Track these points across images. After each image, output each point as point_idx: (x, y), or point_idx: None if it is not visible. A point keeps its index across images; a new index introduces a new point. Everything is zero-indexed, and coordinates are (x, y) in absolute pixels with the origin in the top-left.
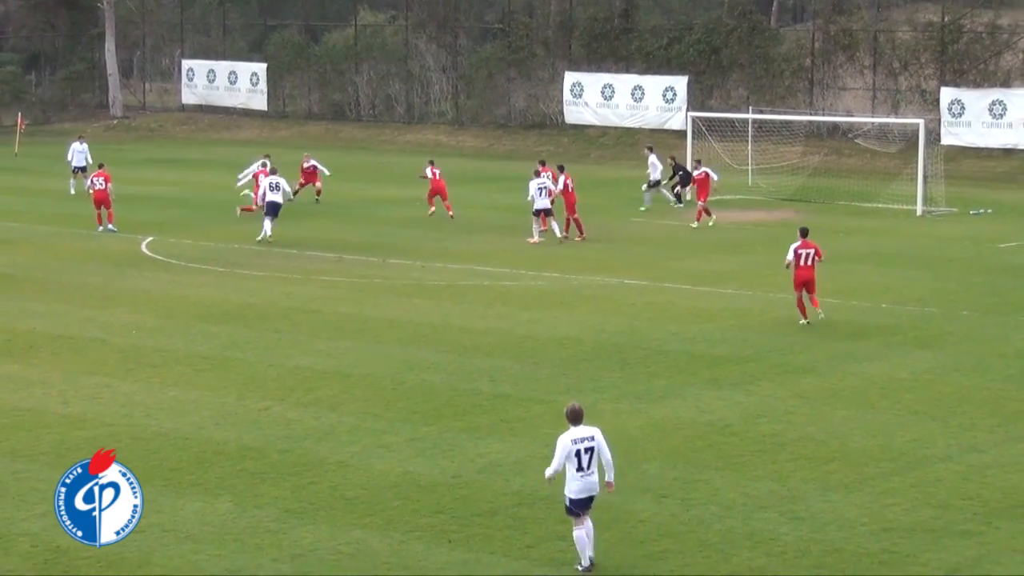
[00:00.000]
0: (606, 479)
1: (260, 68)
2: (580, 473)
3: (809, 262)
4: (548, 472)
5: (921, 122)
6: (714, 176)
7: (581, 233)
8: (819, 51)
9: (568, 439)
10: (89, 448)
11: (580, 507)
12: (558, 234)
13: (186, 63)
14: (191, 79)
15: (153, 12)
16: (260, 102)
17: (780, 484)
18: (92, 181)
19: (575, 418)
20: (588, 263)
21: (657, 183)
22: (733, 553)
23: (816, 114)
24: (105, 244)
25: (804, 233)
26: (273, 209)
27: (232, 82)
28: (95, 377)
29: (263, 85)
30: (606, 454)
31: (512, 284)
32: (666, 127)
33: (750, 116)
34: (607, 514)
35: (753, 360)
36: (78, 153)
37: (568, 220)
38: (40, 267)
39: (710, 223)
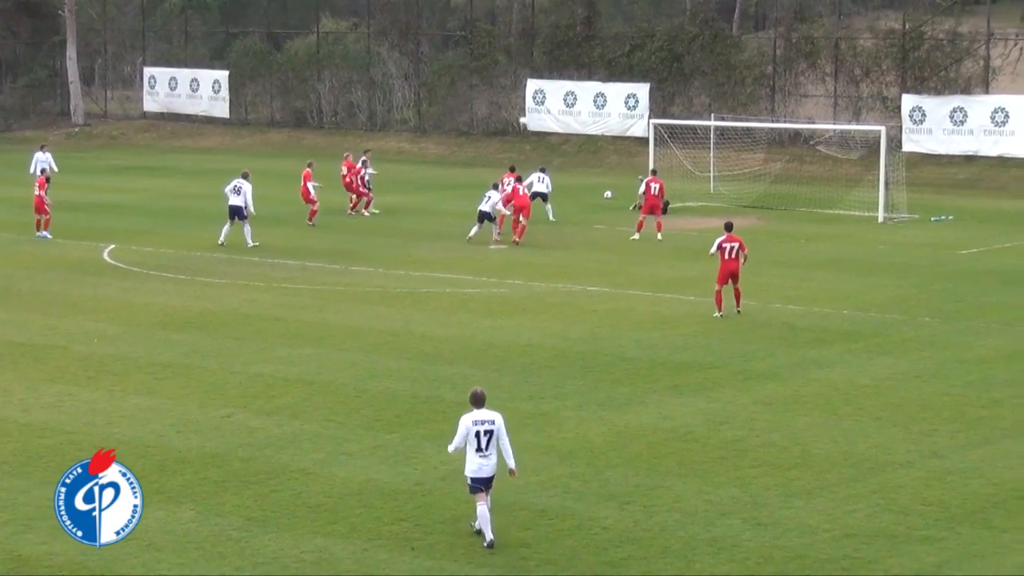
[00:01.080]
0: (509, 466)
1: (222, 75)
2: (479, 454)
3: (733, 255)
4: (450, 448)
5: (883, 129)
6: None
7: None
8: (781, 58)
9: (469, 420)
10: (51, 456)
11: (480, 485)
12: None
13: (148, 70)
14: (153, 87)
15: (115, 19)
16: (222, 109)
17: (742, 490)
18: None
19: (477, 401)
20: (550, 270)
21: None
22: (696, 560)
23: (778, 121)
24: (66, 252)
25: (729, 227)
26: (235, 213)
27: (194, 89)
28: (56, 385)
29: (225, 92)
30: (504, 440)
31: (474, 291)
32: (628, 134)
33: (712, 123)
34: (569, 521)
35: (715, 367)
36: (40, 162)
37: (516, 221)
38: (0, 274)
39: (635, 237)
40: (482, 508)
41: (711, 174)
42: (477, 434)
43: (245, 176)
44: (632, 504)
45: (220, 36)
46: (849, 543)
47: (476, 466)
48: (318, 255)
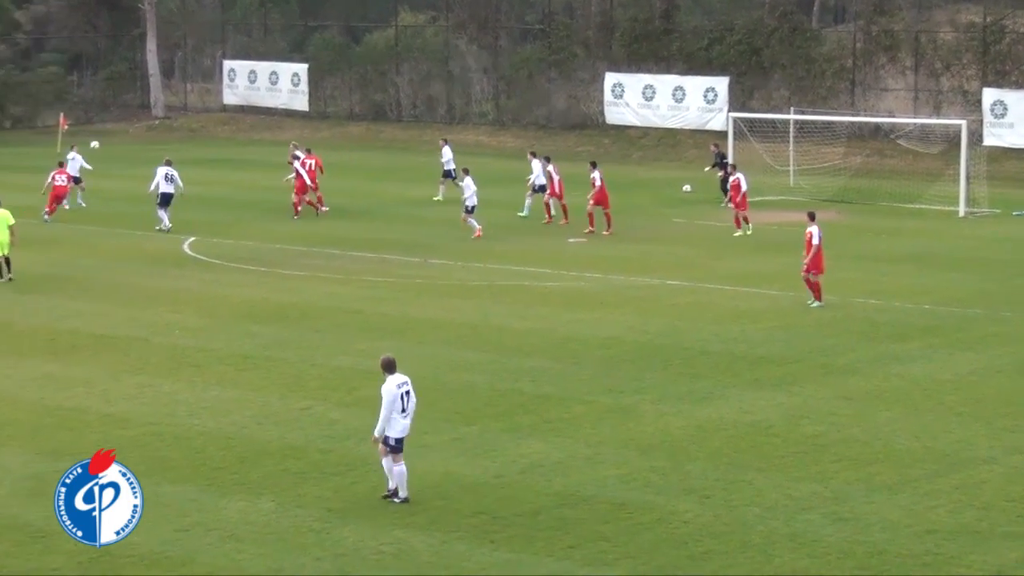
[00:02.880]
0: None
1: (301, 68)
2: (403, 415)
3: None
4: (378, 427)
5: (963, 123)
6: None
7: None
8: (860, 52)
9: (393, 385)
10: (132, 448)
11: (402, 445)
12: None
13: (227, 63)
14: (232, 79)
15: (194, 13)
16: (301, 102)
17: (823, 485)
18: (54, 177)
19: (391, 367)
20: (630, 264)
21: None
22: (776, 554)
23: (858, 115)
24: (147, 244)
25: (812, 217)
26: (166, 200)
27: (273, 83)
28: (138, 376)
29: (304, 86)
30: (414, 398)
31: (554, 285)
32: (707, 128)
33: (791, 117)
34: (649, 515)
35: (796, 361)
36: (72, 162)
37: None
38: (82, 266)
39: (748, 231)
40: (403, 467)
41: (791, 168)
42: (401, 396)
43: (169, 163)
44: (712, 498)
45: (299, 29)
46: (931, 539)
47: (401, 427)
48: (397, 248)
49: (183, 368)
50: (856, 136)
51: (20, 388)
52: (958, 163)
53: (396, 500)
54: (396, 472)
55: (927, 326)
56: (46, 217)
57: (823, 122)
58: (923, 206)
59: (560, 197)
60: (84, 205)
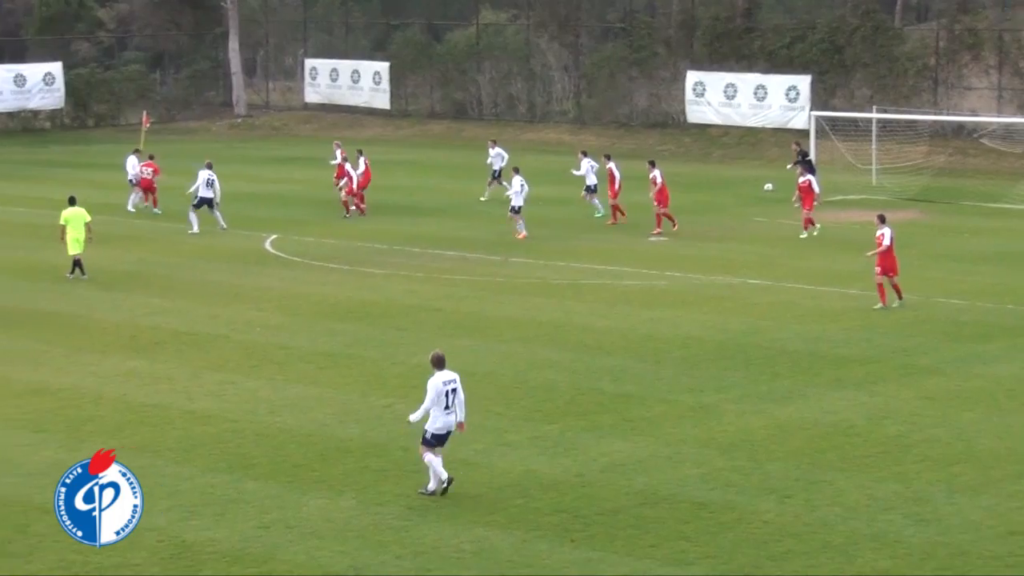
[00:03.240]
0: (459, 419)
1: (383, 67)
2: (446, 412)
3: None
4: (416, 415)
5: None
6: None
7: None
8: (944, 50)
9: (439, 381)
10: (213, 444)
11: (439, 441)
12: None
13: (309, 62)
14: (314, 78)
15: (276, 11)
16: (383, 101)
17: (905, 486)
18: (141, 170)
19: (440, 363)
20: (710, 263)
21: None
22: (857, 555)
23: (941, 114)
24: (229, 242)
25: (883, 219)
26: (204, 203)
27: (355, 81)
28: (219, 373)
29: (386, 84)
30: (462, 395)
31: (634, 283)
32: (789, 126)
33: (874, 116)
34: (729, 515)
35: (877, 361)
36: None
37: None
38: (165, 264)
39: (815, 232)
40: (433, 457)
41: (872, 167)
42: (447, 393)
43: (210, 166)
44: (793, 498)
45: (381, 27)
46: (1015, 540)
47: (442, 423)
48: (477, 246)
49: (264, 365)
50: (939, 135)
51: (103, 384)
52: None
53: (424, 492)
54: (426, 459)
55: (1011, 326)
56: (156, 210)
57: (905, 121)
58: (1007, 205)
59: (614, 196)
60: (132, 210)
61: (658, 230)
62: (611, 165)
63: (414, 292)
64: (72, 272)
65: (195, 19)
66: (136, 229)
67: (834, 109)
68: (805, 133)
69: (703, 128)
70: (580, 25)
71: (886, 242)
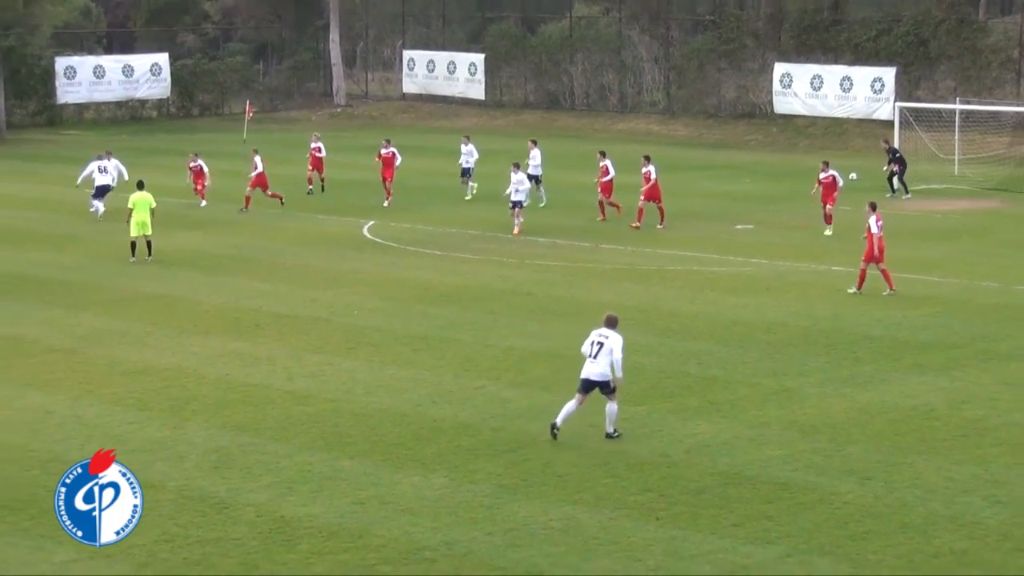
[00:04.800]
0: (617, 374)
1: (478, 58)
2: (590, 360)
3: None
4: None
5: None
6: (840, 181)
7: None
8: None
9: (594, 332)
10: (311, 423)
11: (586, 387)
12: (516, 230)
13: (407, 53)
14: (412, 69)
15: (376, 4)
16: (478, 91)
17: (983, 469)
18: (256, 163)
19: (608, 322)
20: (795, 250)
21: (469, 172)
22: (935, 535)
23: (1023, 105)
24: (328, 228)
25: (874, 207)
26: (102, 192)
27: (451, 72)
28: (318, 355)
29: (481, 75)
30: (615, 354)
31: (720, 270)
32: (874, 117)
33: (957, 107)
34: (811, 495)
35: (957, 347)
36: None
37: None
38: (266, 249)
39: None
40: (572, 404)
41: (955, 157)
42: (592, 343)
43: (109, 154)
44: (873, 480)
45: (477, 20)
46: None
47: (586, 370)
48: (568, 233)
49: (361, 347)
50: (1022, 126)
51: (206, 365)
52: None
53: (612, 435)
54: (568, 405)
55: None
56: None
57: (989, 112)
58: None
59: (646, 197)
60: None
61: (638, 223)
62: (650, 167)
63: (506, 277)
64: (133, 255)
65: (297, 12)
66: (236, 215)
67: (918, 100)
68: (890, 124)
69: (790, 119)
70: (671, 18)
71: (875, 229)
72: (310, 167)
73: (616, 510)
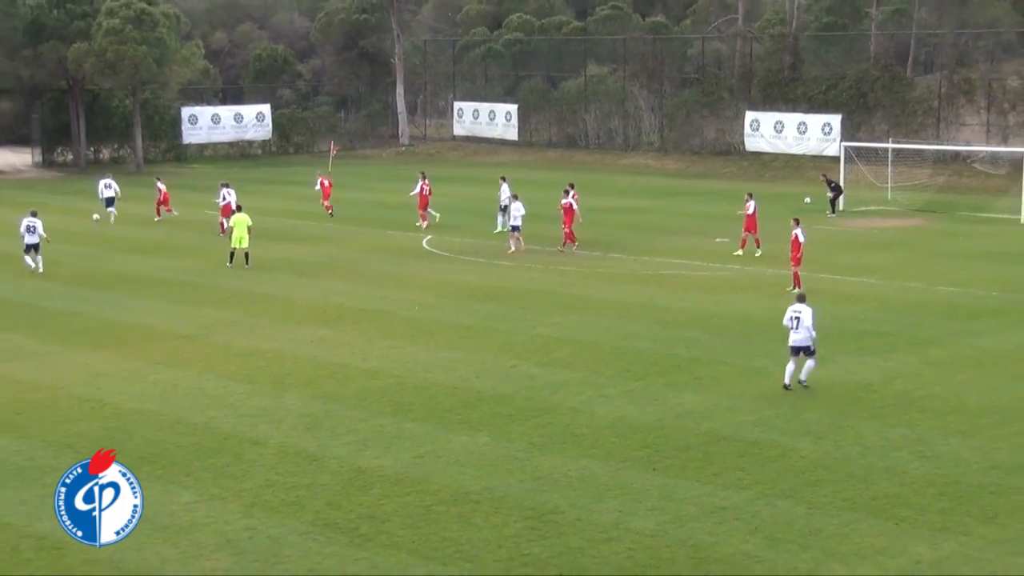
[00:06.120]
0: (813, 335)
1: (513, 108)
2: (792, 332)
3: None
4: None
5: None
6: (574, 205)
7: (566, 243)
8: (945, 95)
9: (789, 309)
10: (382, 393)
11: (793, 351)
12: (512, 248)
13: (457, 104)
14: (461, 116)
15: (432, 65)
16: (512, 134)
17: (911, 430)
18: (422, 187)
19: (800, 299)
20: (762, 259)
21: (505, 208)
22: (873, 483)
23: (942, 144)
24: (394, 241)
25: (797, 222)
26: (110, 202)
27: (491, 119)
28: (387, 340)
29: (515, 121)
30: (806, 323)
31: (703, 274)
32: (824, 154)
33: (890, 146)
34: (775, 451)
35: (890, 334)
36: (107, 188)
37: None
38: (347, 258)
39: (573, 249)
40: (790, 366)
41: (888, 185)
42: (791, 318)
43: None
44: (824, 439)
45: (512, 78)
46: (996, 473)
47: (791, 339)
48: (584, 245)
49: (420, 335)
50: (940, 160)
51: (298, 348)
52: (1021, 181)
53: (803, 383)
54: (807, 365)
55: (995, 308)
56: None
57: (914, 149)
58: (992, 215)
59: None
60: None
61: (568, 245)
62: (751, 203)
63: (535, 279)
64: (231, 262)
65: (371, 71)
66: (324, 231)
67: (859, 140)
68: (837, 159)
69: (758, 155)
70: (664, 76)
71: (802, 239)
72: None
73: (621, 463)
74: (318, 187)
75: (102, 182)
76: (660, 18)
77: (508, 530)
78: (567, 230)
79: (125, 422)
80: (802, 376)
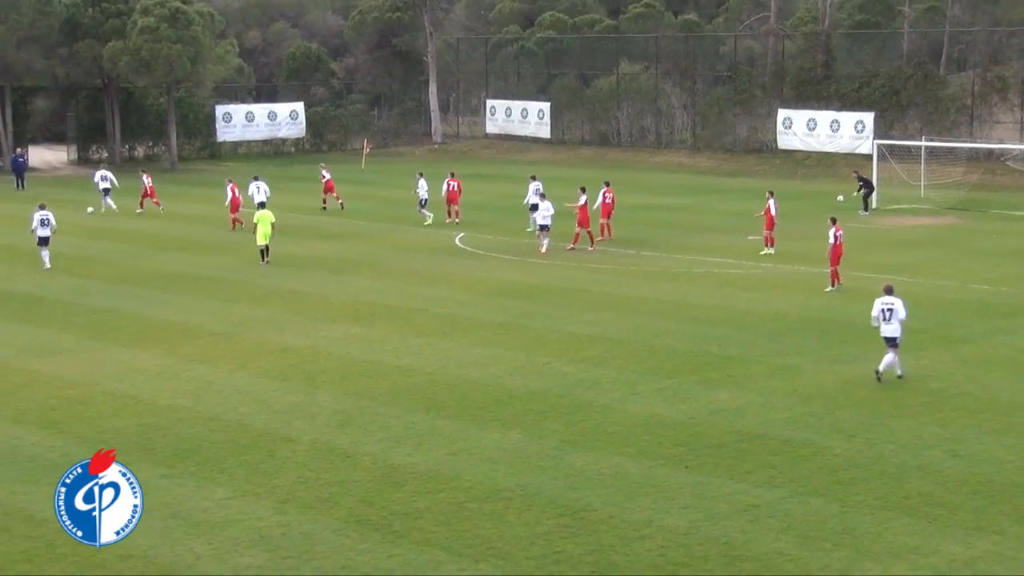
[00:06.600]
0: (900, 316)
1: (545, 106)
2: (885, 323)
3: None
4: (872, 322)
5: None
6: (606, 200)
7: (592, 242)
8: (978, 93)
9: (879, 302)
10: (415, 391)
11: (888, 343)
12: (543, 249)
13: (490, 102)
14: (493, 114)
15: (465, 63)
16: (545, 132)
17: (944, 428)
18: (448, 184)
19: (887, 291)
20: (795, 256)
21: (424, 202)
22: (906, 481)
23: (975, 142)
24: (428, 238)
25: (834, 221)
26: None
27: (524, 117)
28: (420, 338)
29: (547, 119)
30: (899, 314)
31: (735, 272)
32: (857, 152)
33: (923, 143)
34: (807, 449)
35: (923, 332)
36: (103, 180)
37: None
38: (379, 255)
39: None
40: (889, 357)
41: (921, 183)
42: (883, 311)
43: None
44: (857, 437)
45: (544, 76)
46: None
47: (882, 330)
48: (617, 243)
49: (454, 332)
50: (973, 159)
51: (332, 345)
52: None
53: (899, 374)
54: (884, 358)
55: None
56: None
57: (947, 147)
58: None
59: (585, 225)
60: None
61: (576, 245)
62: (770, 202)
63: (568, 277)
64: (263, 260)
65: (404, 70)
66: (358, 228)
67: (892, 138)
68: (869, 157)
69: (790, 153)
70: (696, 74)
71: (839, 239)
72: (324, 191)
73: (653, 460)
74: (324, 180)
75: (98, 174)
76: (692, 16)
77: (540, 527)
78: (587, 229)
79: (159, 418)
80: (897, 371)
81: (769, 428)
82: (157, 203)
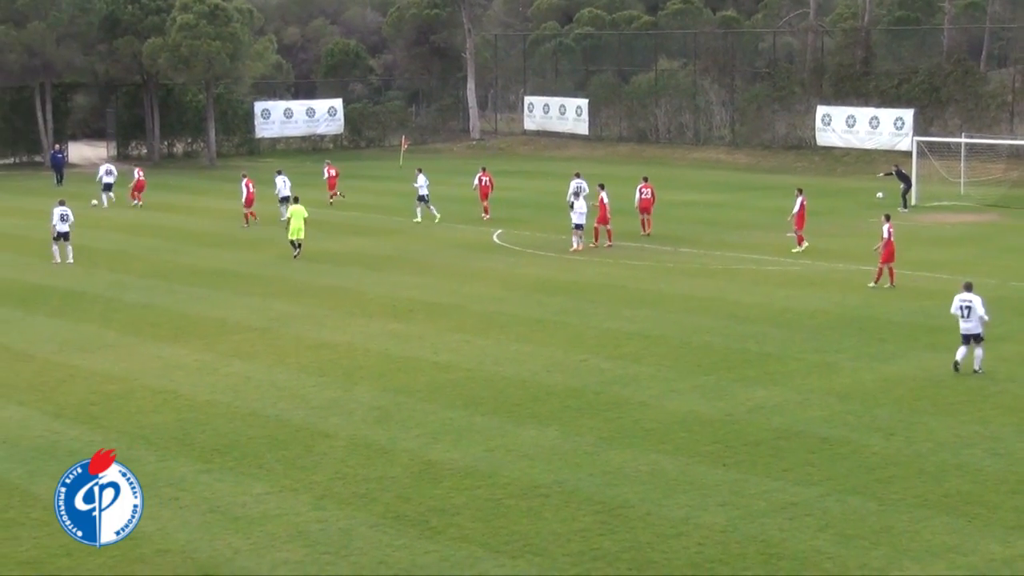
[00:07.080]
0: (984, 318)
1: (583, 102)
2: (962, 320)
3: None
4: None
5: None
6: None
7: (609, 240)
8: (1019, 89)
9: (957, 299)
10: (453, 387)
11: (964, 340)
12: (574, 247)
13: (527, 99)
14: (531, 111)
15: (503, 60)
16: (583, 128)
17: (984, 427)
18: (480, 179)
19: (966, 287)
20: (833, 253)
21: (423, 198)
22: (945, 480)
23: (1016, 139)
24: (465, 235)
25: (888, 218)
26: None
27: (562, 113)
28: (458, 334)
29: (585, 115)
30: (978, 311)
31: (774, 268)
32: (896, 149)
33: (963, 140)
34: (845, 447)
35: None
36: (108, 174)
37: (596, 230)
38: (416, 251)
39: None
40: (961, 350)
41: (961, 180)
42: (960, 307)
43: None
44: (895, 435)
45: (582, 72)
46: None
47: (962, 327)
48: (655, 239)
49: (491, 328)
50: (1014, 155)
51: (369, 341)
52: None
53: (979, 372)
54: (976, 354)
55: None
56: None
57: (988, 144)
58: None
59: (605, 222)
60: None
61: (598, 243)
62: (800, 199)
63: (605, 274)
64: (296, 254)
65: (442, 66)
66: (394, 224)
67: (932, 135)
68: (908, 154)
69: (829, 150)
70: (735, 70)
71: (891, 236)
72: (329, 188)
73: (690, 458)
74: (326, 176)
75: (103, 168)
76: (731, 12)
77: (577, 524)
78: (607, 227)
79: (198, 414)
80: (976, 366)
81: (807, 426)
82: (137, 199)
